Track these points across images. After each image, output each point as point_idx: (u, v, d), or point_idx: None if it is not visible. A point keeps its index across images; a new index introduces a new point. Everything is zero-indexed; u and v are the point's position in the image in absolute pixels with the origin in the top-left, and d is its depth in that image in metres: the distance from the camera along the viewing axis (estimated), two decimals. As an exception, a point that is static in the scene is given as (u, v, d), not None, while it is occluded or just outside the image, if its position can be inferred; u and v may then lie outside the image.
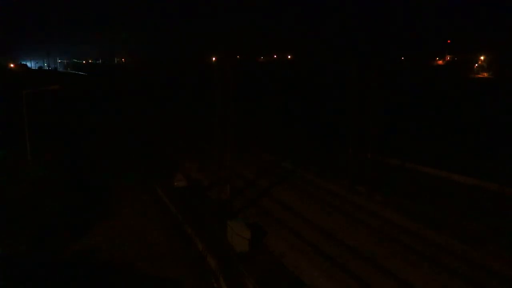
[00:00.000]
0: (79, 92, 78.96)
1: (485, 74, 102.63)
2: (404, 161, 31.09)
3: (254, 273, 17.23)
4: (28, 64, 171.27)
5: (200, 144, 39.14)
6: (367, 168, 26.17)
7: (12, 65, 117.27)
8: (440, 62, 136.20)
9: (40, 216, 22.03)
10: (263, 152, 36.87)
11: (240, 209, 24.00)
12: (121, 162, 34.20)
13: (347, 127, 27.22)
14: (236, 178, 27.31)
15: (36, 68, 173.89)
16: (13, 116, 28.79)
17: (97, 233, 21.22)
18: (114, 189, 27.83)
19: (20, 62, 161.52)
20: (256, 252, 19.14)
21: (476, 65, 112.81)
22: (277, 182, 28.91)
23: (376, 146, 26.73)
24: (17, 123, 30.29)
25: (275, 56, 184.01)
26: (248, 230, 19.10)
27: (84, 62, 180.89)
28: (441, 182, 27.65)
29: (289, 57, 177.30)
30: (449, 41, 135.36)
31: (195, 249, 19.75)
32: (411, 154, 32.19)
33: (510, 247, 18.73)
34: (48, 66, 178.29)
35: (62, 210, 23.16)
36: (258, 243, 19.74)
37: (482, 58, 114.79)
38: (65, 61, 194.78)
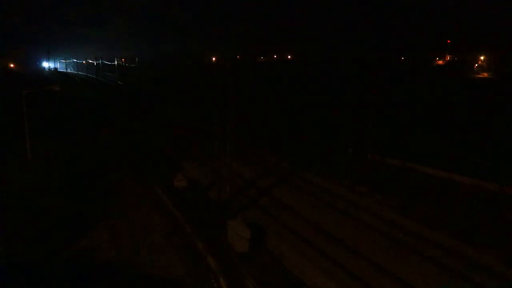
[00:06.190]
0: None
1: (485, 74, 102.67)
2: (404, 161, 31.08)
3: (254, 273, 17.25)
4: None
5: (201, 143, 39.13)
6: (367, 168, 26.16)
7: (12, 65, 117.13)
8: (440, 62, 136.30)
9: (40, 216, 22.04)
10: (263, 152, 36.86)
11: (240, 209, 24.00)
12: (121, 162, 34.20)
13: (347, 127, 27.22)
14: (236, 178, 27.32)
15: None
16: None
17: (97, 233, 21.21)
18: (114, 189, 27.84)
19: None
20: (256, 252, 19.15)
21: (476, 65, 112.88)
22: (277, 182, 28.90)
23: (376, 146, 26.72)
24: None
25: (275, 56, 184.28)
26: (248, 230, 19.10)
27: (84, 62, 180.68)
28: (441, 182, 27.64)
29: (289, 57, 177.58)
30: (449, 41, 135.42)
31: (195, 249, 19.76)
32: (411, 154, 32.16)
33: (510, 247, 18.74)
34: (48, 66, 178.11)
35: (62, 210, 23.18)
36: (258, 243, 19.74)
37: (482, 58, 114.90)
38: (65, 61, 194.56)
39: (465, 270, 17.18)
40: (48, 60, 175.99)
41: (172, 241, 20.52)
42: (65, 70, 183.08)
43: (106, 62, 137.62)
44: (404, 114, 48.73)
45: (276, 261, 18.57)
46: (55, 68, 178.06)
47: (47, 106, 53.61)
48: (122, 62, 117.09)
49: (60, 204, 23.94)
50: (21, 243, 19.36)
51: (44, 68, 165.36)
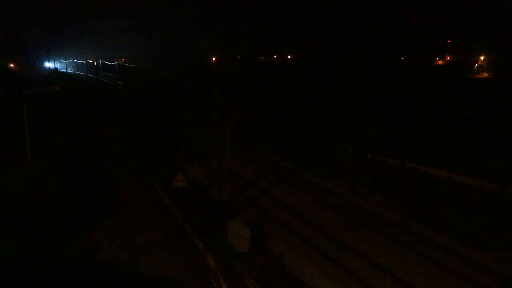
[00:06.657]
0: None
1: (485, 74, 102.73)
2: (404, 161, 31.09)
3: (254, 273, 17.24)
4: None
5: (201, 144, 39.14)
6: (367, 168, 26.15)
7: (12, 65, 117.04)
8: (440, 62, 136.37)
9: (40, 216, 22.04)
10: (263, 152, 36.86)
11: (240, 209, 24.00)
12: (121, 162, 34.21)
13: (347, 127, 27.21)
14: (236, 178, 27.32)
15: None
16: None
17: (97, 233, 21.23)
18: (114, 189, 27.84)
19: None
20: (256, 252, 19.15)
21: (476, 65, 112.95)
22: (277, 182, 28.90)
23: (376, 146, 26.71)
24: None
25: (275, 56, 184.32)
26: (248, 230, 19.11)
27: (84, 62, 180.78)
28: (441, 182, 27.64)
29: (289, 57, 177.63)
30: (449, 41, 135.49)
31: (195, 249, 19.76)
32: (411, 154, 32.16)
33: (510, 247, 18.74)
34: (49, 67, 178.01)
35: (62, 210, 23.18)
36: (258, 243, 19.74)
37: (482, 58, 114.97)
38: (65, 61, 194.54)
39: (465, 270, 17.16)
40: (48, 60, 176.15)
41: (172, 241, 20.52)
42: (65, 70, 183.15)
43: (106, 62, 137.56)
44: (404, 114, 48.71)
45: (276, 261, 18.57)
46: (55, 68, 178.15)
47: (47, 106, 53.60)
48: (122, 62, 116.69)
49: (60, 204, 23.95)
50: (21, 243, 19.36)
51: (45, 68, 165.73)
